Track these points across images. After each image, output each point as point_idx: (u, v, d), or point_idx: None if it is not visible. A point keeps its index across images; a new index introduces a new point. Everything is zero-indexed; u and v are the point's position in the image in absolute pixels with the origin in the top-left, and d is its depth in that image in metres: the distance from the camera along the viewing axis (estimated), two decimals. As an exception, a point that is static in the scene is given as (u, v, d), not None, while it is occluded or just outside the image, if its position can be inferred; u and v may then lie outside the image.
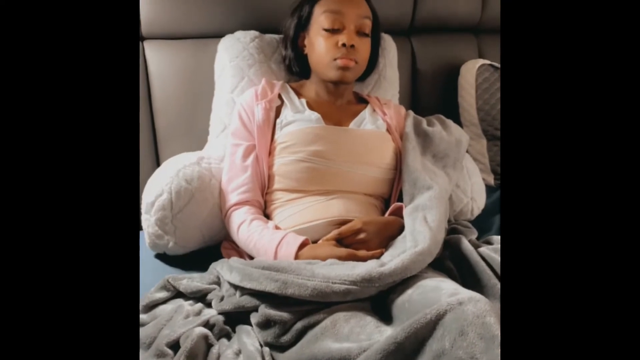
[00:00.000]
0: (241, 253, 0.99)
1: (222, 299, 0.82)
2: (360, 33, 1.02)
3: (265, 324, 0.72)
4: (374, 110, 1.10)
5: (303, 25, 1.06)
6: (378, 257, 0.83)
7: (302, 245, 0.87)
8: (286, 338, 0.70)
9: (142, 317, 0.81)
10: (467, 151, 1.20)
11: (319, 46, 1.02)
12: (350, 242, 0.88)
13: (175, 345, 0.71)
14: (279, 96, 1.07)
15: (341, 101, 1.09)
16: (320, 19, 1.01)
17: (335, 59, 1.00)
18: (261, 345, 0.73)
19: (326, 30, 1.00)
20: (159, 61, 1.20)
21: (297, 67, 1.12)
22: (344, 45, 0.98)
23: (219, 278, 0.87)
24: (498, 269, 0.82)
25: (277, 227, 0.94)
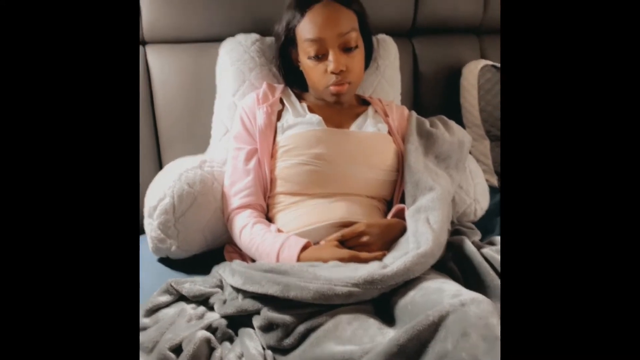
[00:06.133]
0: (244, 256, 0.99)
1: (224, 302, 0.82)
2: (347, 49, 0.98)
3: (267, 327, 0.72)
4: (376, 112, 1.10)
5: (292, 43, 1.04)
6: (380, 259, 0.83)
7: (304, 248, 0.87)
8: (289, 341, 0.70)
9: (145, 320, 0.81)
10: (470, 152, 1.20)
11: (310, 72, 1.00)
12: (353, 244, 0.88)
13: (177, 349, 0.71)
14: (280, 100, 1.07)
15: (343, 104, 1.09)
16: (304, 46, 0.99)
17: (327, 86, 0.99)
18: (264, 349, 0.73)
19: (311, 59, 0.98)
20: (160, 65, 1.21)
21: (296, 84, 1.10)
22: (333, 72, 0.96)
23: (221, 281, 0.87)
24: (501, 270, 0.82)
25: (279, 231, 0.94)
